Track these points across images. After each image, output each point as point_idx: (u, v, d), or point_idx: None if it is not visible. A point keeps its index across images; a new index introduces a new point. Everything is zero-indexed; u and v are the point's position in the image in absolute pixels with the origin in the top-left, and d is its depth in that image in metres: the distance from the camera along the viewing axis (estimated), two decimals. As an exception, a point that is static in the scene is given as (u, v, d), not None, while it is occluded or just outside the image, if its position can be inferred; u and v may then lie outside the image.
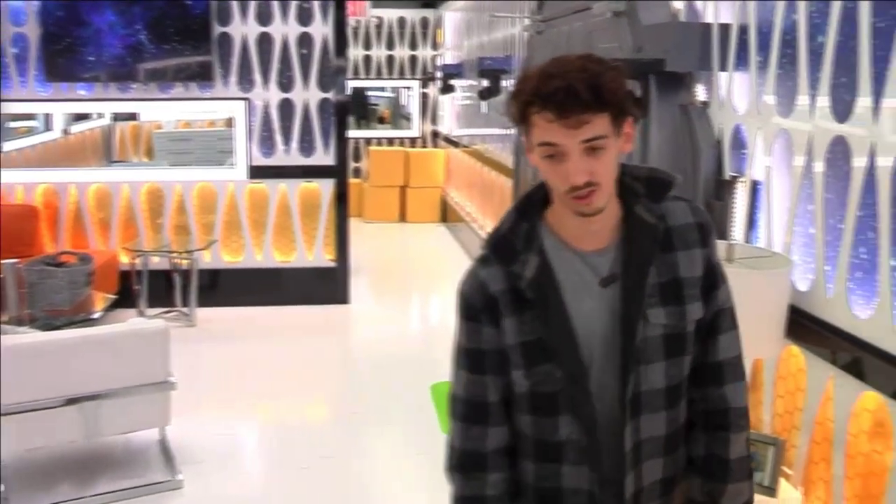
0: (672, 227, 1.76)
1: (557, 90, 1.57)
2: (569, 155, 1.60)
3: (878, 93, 2.62)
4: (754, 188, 3.41)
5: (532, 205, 1.78)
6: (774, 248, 3.21)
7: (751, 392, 3.33)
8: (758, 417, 3.26)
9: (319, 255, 7.62)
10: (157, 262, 7.03)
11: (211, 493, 4.33)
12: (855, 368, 2.67)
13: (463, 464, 1.85)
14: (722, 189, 3.58)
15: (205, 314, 7.00)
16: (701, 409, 1.85)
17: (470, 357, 1.80)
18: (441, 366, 6.22)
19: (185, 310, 7.00)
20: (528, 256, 1.73)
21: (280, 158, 7.47)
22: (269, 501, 4.36)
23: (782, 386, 3.15)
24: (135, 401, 4.13)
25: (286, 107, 7.43)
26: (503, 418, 1.81)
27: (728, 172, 3.55)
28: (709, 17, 3.70)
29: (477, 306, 1.76)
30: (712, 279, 1.83)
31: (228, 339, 6.75)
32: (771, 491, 2.78)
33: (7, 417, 3.81)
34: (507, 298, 1.74)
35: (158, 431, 4.56)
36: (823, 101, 2.91)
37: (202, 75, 7.13)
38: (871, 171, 2.65)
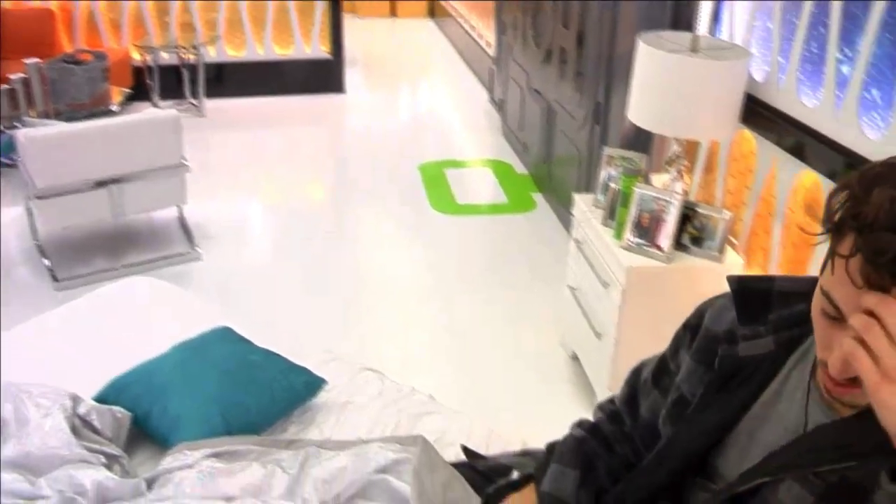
0: None
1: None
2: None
3: None
4: (719, -15, 3.40)
5: None
6: (735, 41, 3.24)
7: (706, 172, 3.46)
8: (711, 194, 3.40)
9: (316, 48, 7.54)
10: (166, 58, 6.94)
11: (227, 262, 4.52)
12: (798, 151, 2.77)
13: None
14: (689, -14, 3.56)
15: (213, 105, 7.00)
16: None
17: None
18: (427, 148, 6.42)
19: (194, 101, 6.99)
20: None
21: (276, -44, 7.27)
22: (278, 267, 4.55)
23: (734, 166, 3.26)
24: (154, 182, 4.22)
25: None
26: None
27: (696, -30, 3.53)
28: None
29: None
30: None
31: (235, 127, 6.79)
32: (719, 258, 2.94)
33: (44, 200, 3.94)
34: None
35: (177, 210, 4.70)
36: None
37: None
38: (825, -30, 2.66)
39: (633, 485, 1.43)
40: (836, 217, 0.99)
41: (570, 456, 1.54)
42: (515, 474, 1.68)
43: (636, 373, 1.60)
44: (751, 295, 1.30)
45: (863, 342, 0.93)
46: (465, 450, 1.90)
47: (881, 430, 0.98)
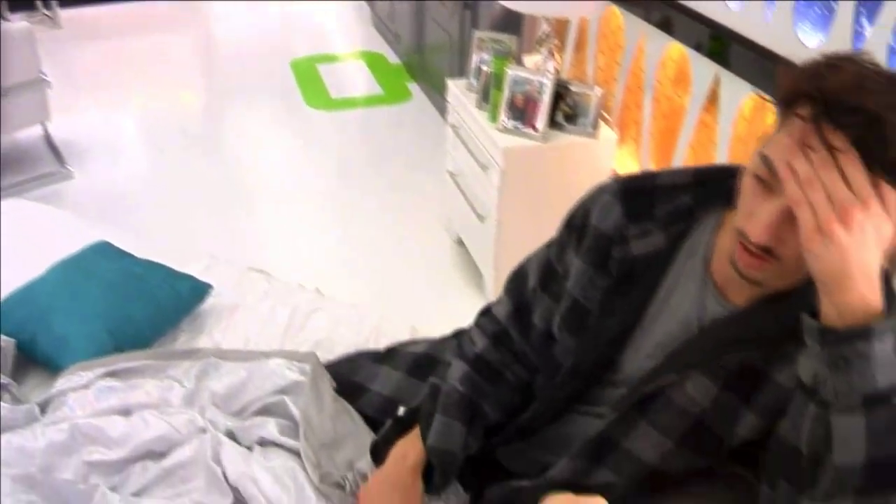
0: None
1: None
2: None
3: None
4: None
5: None
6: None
7: (576, 50, 3.47)
8: (582, 72, 3.42)
9: (173, -53, 7.20)
10: (11, -35, 6.52)
11: (100, 177, 4.35)
12: (664, 25, 2.80)
13: None
14: None
15: (68, 15, 6.61)
16: None
17: None
18: (298, 45, 6.25)
19: (47, 12, 6.58)
20: None
21: None
22: (154, 177, 4.42)
23: (604, 43, 3.28)
24: (13, 100, 3.99)
25: None
26: None
27: None
28: None
29: None
30: None
31: (95, 37, 6.44)
32: (593, 133, 2.98)
33: None
34: None
35: (42, 128, 4.47)
36: None
37: None
38: None
39: (543, 405, 1.43)
40: (797, 87, 1.01)
41: (454, 409, 1.48)
42: (401, 410, 1.64)
43: (517, 281, 1.54)
44: (635, 192, 1.31)
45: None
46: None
47: (774, 319, 1.12)
